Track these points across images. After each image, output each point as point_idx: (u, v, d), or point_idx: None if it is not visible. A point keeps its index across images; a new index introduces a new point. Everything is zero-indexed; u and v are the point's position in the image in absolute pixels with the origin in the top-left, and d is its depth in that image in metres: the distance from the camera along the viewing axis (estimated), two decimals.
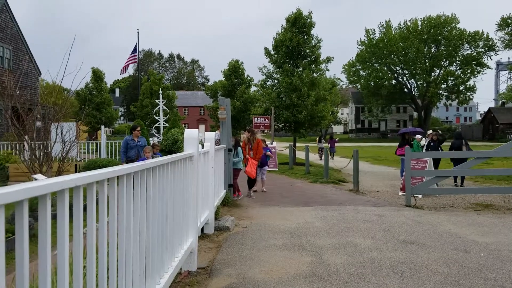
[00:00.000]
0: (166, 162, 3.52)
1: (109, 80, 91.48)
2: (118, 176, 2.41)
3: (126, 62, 31.32)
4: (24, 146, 11.51)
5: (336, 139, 27.78)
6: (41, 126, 11.53)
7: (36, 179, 4.56)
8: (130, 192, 2.59)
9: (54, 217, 1.81)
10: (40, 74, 28.98)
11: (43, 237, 1.66)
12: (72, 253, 1.96)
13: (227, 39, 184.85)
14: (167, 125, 22.51)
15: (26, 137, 11.11)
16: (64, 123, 13.78)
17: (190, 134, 4.90)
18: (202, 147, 6.39)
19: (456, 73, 67.12)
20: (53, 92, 19.07)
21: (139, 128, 11.09)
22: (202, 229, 6.53)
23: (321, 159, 23.89)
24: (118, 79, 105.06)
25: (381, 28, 68.88)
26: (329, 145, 26.35)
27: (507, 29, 62.64)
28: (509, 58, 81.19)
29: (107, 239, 2.32)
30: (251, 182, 11.33)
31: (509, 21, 61.86)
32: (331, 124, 68.43)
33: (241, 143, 11.12)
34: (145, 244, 2.93)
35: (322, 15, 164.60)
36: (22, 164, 11.34)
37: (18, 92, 13.60)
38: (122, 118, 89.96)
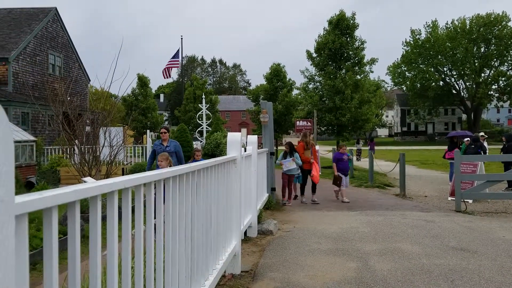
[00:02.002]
0: (211, 165, 3.54)
1: (154, 86, 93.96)
2: (164, 179, 2.45)
3: (167, 66, 32.00)
4: (74, 150, 11.98)
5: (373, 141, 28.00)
6: (90, 131, 11.97)
7: (85, 182, 4.72)
8: (176, 194, 2.62)
9: (103, 218, 1.86)
10: (89, 80, 30.17)
11: (94, 237, 1.71)
12: (120, 254, 2.00)
13: (269, 43, 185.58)
14: (210, 129, 22.82)
15: (76, 141, 11.58)
16: (112, 128, 14.26)
17: (233, 138, 4.92)
18: (245, 151, 6.40)
19: (508, 73, 64.07)
20: (101, 98, 19.82)
21: (163, 130, 8.97)
22: (245, 233, 6.54)
23: (358, 161, 23.60)
24: (162, 85, 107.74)
25: (427, 28, 66.91)
26: (368, 147, 26.13)
27: None
28: None
29: (154, 240, 2.35)
30: (314, 187, 10.81)
31: None
32: (376, 127, 67.07)
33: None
34: (190, 246, 2.96)
35: (365, 16, 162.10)
36: (72, 167, 11.81)
37: (68, 98, 14.20)
38: (166, 122, 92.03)
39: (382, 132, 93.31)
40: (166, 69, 31.42)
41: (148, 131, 24.42)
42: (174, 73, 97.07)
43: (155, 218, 2.37)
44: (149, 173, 2.21)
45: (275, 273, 4.97)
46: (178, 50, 34.27)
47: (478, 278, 4.71)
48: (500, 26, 62.44)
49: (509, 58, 64.08)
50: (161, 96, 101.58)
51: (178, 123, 32.25)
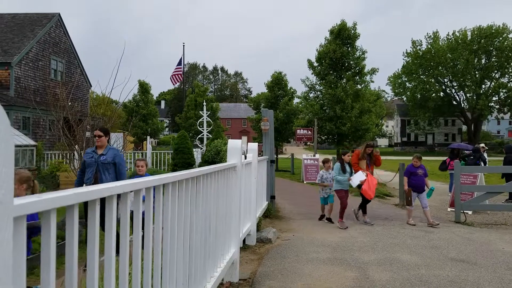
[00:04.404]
0: (210, 171, 3.54)
1: (155, 92, 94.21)
2: (164, 184, 2.45)
3: (174, 73, 32.14)
4: (74, 155, 11.98)
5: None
6: (91, 136, 11.97)
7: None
8: (175, 200, 2.62)
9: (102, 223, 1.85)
10: (91, 86, 30.24)
11: (92, 242, 1.70)
12: (118, 260, 1.99)
13: (271, 52, 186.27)
14: (211, 136, 22.83)
15: (76, 146, 11.58)
16: (112, 133, 14.27)
17: (234, 145, 4.92)
18: (245, 158, 6.40)
19: (509, 85, 64.21)
20: (102, 103, 19.85)
21: (98, 133, 6.28)
22: (244, 240, 6.52)
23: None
24: (163, 91, 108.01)
25: (428, 39, 67.15)
26: None
27: None
28: None
29: (152, 246, 2.34)
30: (365, 203, 9.21)
31: None
32: (376, 136, 67.09)
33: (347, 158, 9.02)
34: (188, 253, 2.94)
35: (367, 26, 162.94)
36: (71, 172, 11.80)
37: (69, 103, 14.23)
38: (167, 129, 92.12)
39: (382, 142, 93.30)
40: (174, 75, 31.59)
41: (148, 137, 24.44)
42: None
43: (143, 229, 2.36)
44: (148, 178, 2.21)
45: (273, 281, 4.95)
46: (181, 57, 34.47)
47: None
48: (501, 38, 62.69)
49: (509, 70, 64.22)
50: (162, 102, 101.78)
51: (179, 130, 32.25)
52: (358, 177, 8.78)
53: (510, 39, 62.64)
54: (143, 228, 2.21)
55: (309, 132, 22.84)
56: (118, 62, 11.14)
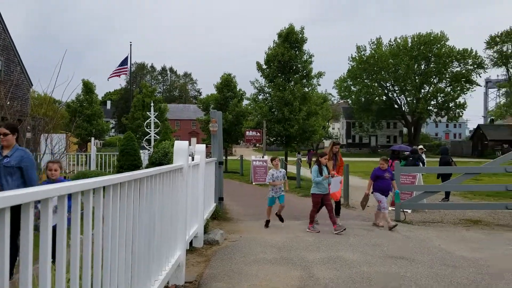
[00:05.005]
0: (155, 173, 3.49)
1: (100, 93, 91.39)
2: (104, 187, 2.38)
3: (114, 72, 31.38)
4: None
5: (312, 151, 31.71)
6: (31, 137, 11.43)
7: None
8: (116, 203, 2.55)
9: (37, 228, 1.77)
10: (32, 85, 28.80)
11: (25, 248, 1.63)
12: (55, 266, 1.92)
13: (221, 53, 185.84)
14: (158, 137, 22.44)
15: None
16: (54, 134, 13.69)
17: (180, 146, 4.88)
18: (192, 160, 6.36)
19: (446, 90, 68.03)
20: (43, 103, 18.99)
21: (2, 130, 5.10)
22: (191, 243, 6.46)
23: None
24: (109, 91, 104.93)
25: (371, 44, 69.80)
26: (307, 157, 29.57)
27: (495, 47, 63.83)
28: (498, 76, 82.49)
29: (91, 251, 2.28)
30: (338, 207, 9.11)
31: (498, 39, 63.06)
32: (323, 138, 68.72)
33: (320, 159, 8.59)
34: (131, 257, 2.89)
35: (314, 31, 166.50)
36: None
37: (8, 103, 13.50)
38: (113, 130, 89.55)
39: (329, 143, 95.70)
40: (114, 74, 30.85)
41: (93, 138, 23.64)
42: (123, 80, 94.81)
43: (81, 234, 2.30)
44: (87, 180, 2.14)
45: (220, 283, 4.95)
46: (127, 56, 33.65)
47: (415, 286, 4.92)
48: (439, 45, 66.32)
49: (446, 76, 68.07)
50: (108, 103, 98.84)
51: (125, 131, 31.45)
52: (337, 185, 8.65)
53: (447, 46, 66.39)
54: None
55: (258, 133, 23.01)
56: (60, 60, 10.71)
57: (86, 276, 2.19)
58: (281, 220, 8.87)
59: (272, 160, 9.50)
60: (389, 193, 8.92)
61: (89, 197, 2.19)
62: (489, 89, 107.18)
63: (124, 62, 32.64)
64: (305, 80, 23.51)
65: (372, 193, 8.98)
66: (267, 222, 8.74)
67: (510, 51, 63.36)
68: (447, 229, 8.78)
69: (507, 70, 64.88)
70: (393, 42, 69.49)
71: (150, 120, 23.75)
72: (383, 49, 68.40)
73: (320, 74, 24.17)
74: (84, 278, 2.19)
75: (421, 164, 12.64)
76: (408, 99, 70.46)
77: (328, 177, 8.35)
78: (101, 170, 19.56)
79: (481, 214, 10.85)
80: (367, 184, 9.17)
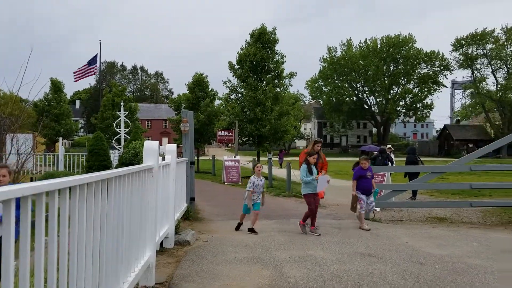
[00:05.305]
0: (123, 173, 3.44)
1: (69, 92, 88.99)
2: (70, 187, 2.34)
3: (81, 71, 30.80)
4: None
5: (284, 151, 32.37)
6: None
7: None
8: (83, 204, 2.51)
9: None
10: None
11: None
12: (18, 270, 1.87)
13: (193, 52, 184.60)
14: (129, 137, 22.11)
15: None
16: (20, 134, 13.28)
17: (150, 146, 4.82)
18: (163, 160, 6.30)
19: (414, 91, 69.68)
20: (9, 102, 18.39)
21: None
22: (161, 244, 6.41)
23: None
24: (79, 90, 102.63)
25: (342, 46, 70.78)
26: (278, 157, 30.42)
27: (461, 49, 65.81)
28: (463, 77, 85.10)
29: (57, 254, 2.23)
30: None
31: (463, 42, 65.03)
32: (295, 138, 69.27)
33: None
34: (98, 259, 2.84)
35: (286, 31, 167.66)
36: None
37: None
38: (82, 130, 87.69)
39: (301, 143, 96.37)
40: (81, 74, 30.28)
41: (61, 138, 23.07)
42: (92, 79, 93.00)
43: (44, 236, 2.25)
44: (52, 180, 2.09)
45: (190, 283, 4.92)
46: (96, 55, 33.04)
47: (383, 282, 5.03)
48: (407, 47, 67.86)
49: (414, 77, 69.74)
50: (77, 102, 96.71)
51: (94, 130, 30.82)
52: (324, 184, 8.34)
53: (415, 48, 68.04)
54: None
55: (230, 133, 22.98)
56: (27, 58, 10.41)
57: (52, 279, 2.14)
58: (254, 232, 8.07)
59: (254, 167, 8.75)
60: (371, 193, 8.92)
61: (54, 198, 2.14)
62: (455, 90, 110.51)
63: (93, 61, 32.05)
64: (277, 80, 23.62)
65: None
66: (239, 225, 8.37)
67: (475, 53, 65.48)
68: (414, 227, 9.00)
69: (472, 72, 66.98)
70: (363, 44, 70.70)
71: (120, 119, 23.38)
72: (354, 50, 69.47)
73: (291, 75, 24.35)
74: (49, 281, 2.14)
75: (389, 163, 12.91)
76: (378, 99, 71.86)
77: (320, 175, 8.19)
78: (70, 170, 19.13)
79: (447, 212, 11.18)
80: (351, 185, 9.08)
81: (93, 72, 31.62)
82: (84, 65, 32.01)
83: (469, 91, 70.21)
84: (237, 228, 8.35)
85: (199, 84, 28.66)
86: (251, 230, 8.06)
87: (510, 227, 9.14)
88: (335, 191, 16.06)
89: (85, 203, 2.53)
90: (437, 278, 5.22)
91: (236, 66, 23.91)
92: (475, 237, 7.85)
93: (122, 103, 25.98)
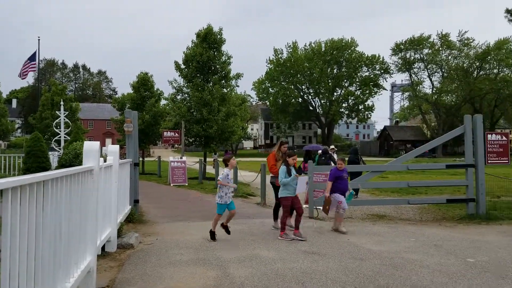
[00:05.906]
0: (61, 175, 3.32)
1: (5, 90, 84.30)
2: (2, 190, 2.23)
3: (24, 68, 29.28)
4: None
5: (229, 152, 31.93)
6: None
7: None
8: (16, 207, 2.39)
9: None
10: None
11: None
12: None
13: (137, 51, 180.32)
14: (69, 138, 21.25)
15: None
16: None
17: (90, 147, 4.68)
18: (105, 161, 6.12)
19: (356, 93, 72.24)
20: None
21: None
22: (104, 247, 6.22)
23: (213, 168, 24.10)
24: (15, 89, 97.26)
25: (288, 48, 71.98)
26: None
27: (400, 54, 68.97)
28: (402, 80, 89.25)
29: None
30: (278, 209, 8.68)
31: (402, 46, 68.19)
32: (242, 139, 69.56)
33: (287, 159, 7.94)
34: (33, 264, 2.72)
35: (234, 33, 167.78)
36: None
37: None
38: (19, 130, 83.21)
39: (248, 144, 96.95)
40: (25, 70, 28.84)
41: None
42: (30, 77, 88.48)
43: None
44: None
45: (133, 287, 4.82)
46: (35, 52, 31.51)
47: (325, 279, 5.17)
48: (349, 51, 70.21)
49: (356, 80, 72.30)
50: (14, 101, 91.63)
51: (32, 131, 29.33)
52: (303, 185, 8.22)
53: (357, 52, 70.51)
54: None
55: (176, 134, 22.66)
56: None
57: None
58: (228, 232, 7.64)
59: (225, 160, 7.82)
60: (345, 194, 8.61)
61: None
62: (394, 93, 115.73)
63: (32, 58, 30.55)
64: (224, 81, 23.60)
65: (330, 194, 8.53)
66: (213, 233, 7.44)
67: (412, 57, 68.87)
68: (355, 224, 9.32)
69: (410, 76, 70.42)
70: (308, 47, 72.30)
71: (60, 119, 22.42)
72: (299, 52, 70.85)
73: (238, 76, 24.41)
74: None
75: (332, 163, 13.30)
76: (322, 101, 73.79)
77: (298, 177, 7.82)
78: (5, 173, 18.11)
79: (386, 209, 11.66)
80: (327, 186, 8.65)
81: (34, 69, 30.10)
82: (26, 61, 30.45)
83: (407, 93, 73.85)
84: (213, 237, 7.40)
85: (144, 83, 28.06)
86: (225, 227, 7.60)
87: (444, 223, 9.68)
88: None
89: (18, 206, 2.41)
90: (376, 273, 5.44)
91: (183, 66, 23.63)
92: (412, 233, 8.25)
93: (62, 103, 24.97)
